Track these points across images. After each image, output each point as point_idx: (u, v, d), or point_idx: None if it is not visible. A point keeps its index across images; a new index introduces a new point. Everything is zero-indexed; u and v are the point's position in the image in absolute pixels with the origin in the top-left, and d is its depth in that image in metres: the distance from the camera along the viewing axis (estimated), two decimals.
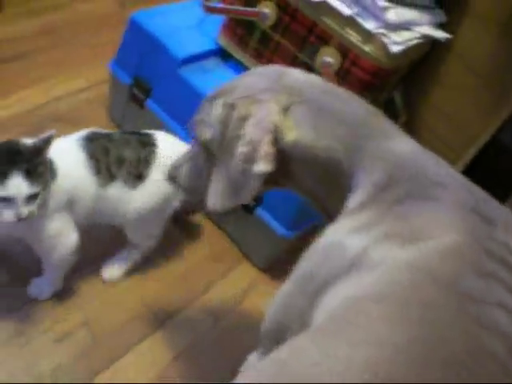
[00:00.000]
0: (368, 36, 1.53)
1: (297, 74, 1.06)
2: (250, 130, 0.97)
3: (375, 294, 0.75)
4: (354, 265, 0.83)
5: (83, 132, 1.50)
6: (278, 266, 1.88)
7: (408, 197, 0.89)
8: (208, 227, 1.94)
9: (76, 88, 2.26)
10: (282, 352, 0.71)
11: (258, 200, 1.72)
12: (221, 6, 1.77)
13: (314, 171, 1.00)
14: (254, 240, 1.84)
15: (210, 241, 1.91)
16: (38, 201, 1.30)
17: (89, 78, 2.31)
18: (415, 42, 1.61)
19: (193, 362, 1.60)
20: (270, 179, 1.01)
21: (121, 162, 1.49)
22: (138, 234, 1.66)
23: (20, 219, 1.29)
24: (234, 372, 1.55)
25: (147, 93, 1.92)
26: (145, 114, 1.96)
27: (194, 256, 1.86)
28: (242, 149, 0.97)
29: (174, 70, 1.79)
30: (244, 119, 0.98)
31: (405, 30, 1.60)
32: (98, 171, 1.46)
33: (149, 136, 1.57)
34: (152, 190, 1.54)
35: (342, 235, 0.89)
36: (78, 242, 1.50)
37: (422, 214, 0.86)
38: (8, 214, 1.28)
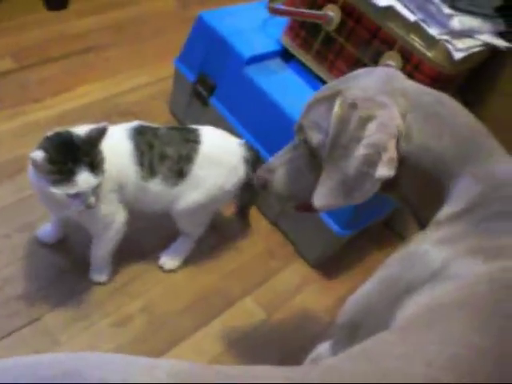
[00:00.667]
0: (432, 42, 1.55)
1: (408, 80, 1.06)
2: (374, 133, 0.96)
3: (457, 302, 0.80)
4: (436, 275, 0.88)
5: (133, 123, 1.55)
6: (329, 263, 1.92)
7: (497, 216, 0.92)
8: (264, 224, 1.99)
9: (140, 83, 2.33)
10: (370, 344, 0.75)
11: None
12: (286, 8, 1.81)
13: (416, 179, 1.00)
14: (309, 238, 1.87)
15: (266, 238, 1.96)
16: (99, 188, 1.37)
17: (152, 74, 2.38)
18: (477, 49, 1.62)
19: (244, 352, 1.65)
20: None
21: (163, 158, 1.52)
22: (187, 225, 1.71)
23: (88, 208, 1.36)
24: (283, 363, 1.60)
25: (211, 90, 1.97)
26: (207, 111, 2.02)
27: (250, 251, 1.90)
28: (363, 151, 0.96)
29: (239, 68, 1.84)
30: (366, 120, 0.97)
31: (467, 37, 1.62)
32: (141, 163, 1.50)
33: (194, 132, 1.59)
34: (197, 186, 1.57)
35: (428, 245, 0.93)
36: (126, 221, 1.58)
37: (508, 234, 0.89)
38: (77, 205, 1.35)
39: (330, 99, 1.03)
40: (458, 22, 1.56)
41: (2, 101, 2.08)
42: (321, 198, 1.03)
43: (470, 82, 1.87)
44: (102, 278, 1.67)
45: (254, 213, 2.00)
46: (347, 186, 0.99)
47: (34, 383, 0.56)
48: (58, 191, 1.31)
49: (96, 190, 1.36)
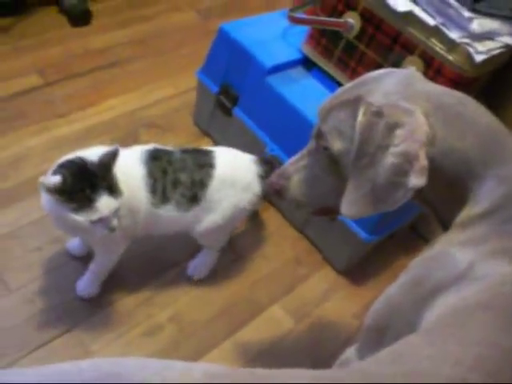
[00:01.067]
0: (452, 45, 1.55)
1: (428, 82, 1.05)
2: (402, 141, 0.94)
3: (483, 303, 0.80)
4: (462, 277, 0.88)
5: (147, 147, 1.55)
6: (356, 270, 1.93)
7: None
8: (290, 232, 2.00)
9: (164, 96, 2.36)
10: (397, 346, 0.76)
11: None
12: (306, 17, 1.83)
13: (438, 181, 0.99)
14: (336, 244, 1.88)
15: (293, 245, 1.97)
16: (119, 210, 1.38)
17: (176, 86, 2.40)
18: (498, 51, 1.63)
19: (273, 360, 1.66)
20: None
21: (176, 184, 1.53)
22: (207, 242, 1.74)
23: (112, 231, 1.36)
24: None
25: (234, 101, 1.99)
26: (231, 122, 2.04)
27: (277, 259, 1.92)
28: (392, 160, 0.95)
29: (261, 78, 1.86)
30: (393, 128, 0.95)
31: (488, 39, 1.62)
32: (153, 190, 1.51)
33: (208, 155, 1.60)
34: (213, 209, 1.59)
35: (453, 247, 0.93)
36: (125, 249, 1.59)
37: None
38: (101, 230, 1.36)
39: (352, 105, 1.01)
40: (478, 24, 1.56)
41: (28, 117, 2.12)
42: (350, 207, 1.02)
43: (491, 84, 1.87)
44: (92, 293, 1.66)
45: (280, 221, 2.02)
46: (377, 195, 0.98)
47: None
48: (80, 218, 1.31)
49: (117, 212, 1.37)
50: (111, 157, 1.34)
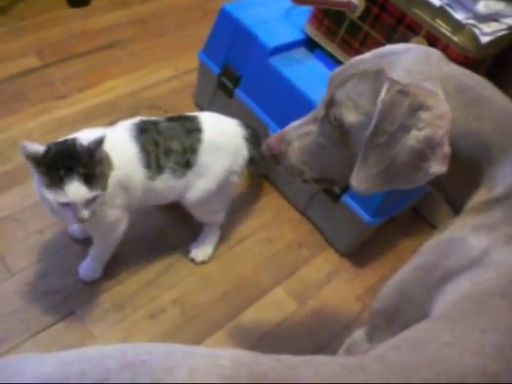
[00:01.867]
0: (458, 26, 1.54)
1: (449, 62, 1.01)
2: (427, 126, 0.92)
3: (499, 290, 0.79)
4: (475, 263, 0.87)
5: (134, 120, 1.53)
6: (359, 252, 1.92)
7: None
8: (293, 215, 1.99)
9: (165, 77, 2.34)
10: (415, 333, 0.75)
11: (344, 188, 1.76)
12: None
13: (453, 164, 0.95)
14: (339, 227, 1.87)
15: (295, 228, 1.96)
16: (97, 202, 1.34)
17: (177, 67, 2.38)
18: (503, 32, 1.61)
19: (277, 342, 1.66)
20: None
21: (168, 153, 1.52)
22: (203, 214, 1.73)
23: (82, 222, 1.34)
24: (316, 352, 1.60)
25: (236, 81, 1.98)
26: (232, 103, 2.02)
27: (280, 242, 1.91)
28: (415, 143, 0.93)
29: (263, 59, 1.84)
30: (418, 109, 0.92)
31: (493, 21, 1.60)
32: (148, 165, 1.49)
33: (193, 120, 1.59)
34: (205, 174, 1.58)
35: (465, 232, 0.92)
36: (126, 228, 1.57)
37: None
38: (71, 216, 1.33)
39: (373, 78, 0.98)
40: (484, 5, 1.55)
41: (28, 98, 2.10)
42: (361, 182, 1.00)
43: (496, 66, 1.85)
44: (94, 276, 1.66)
45: (282, 203, 2.01)
46: (392, 174, 0.97)
47: (102, 376, 0.57)
48: (50, 196, 1.29)
49: (91, 205, 1.33)
50: (96, 143, 1.30)
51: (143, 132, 1.50)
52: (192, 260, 1.77)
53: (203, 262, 1.78)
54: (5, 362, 0.61)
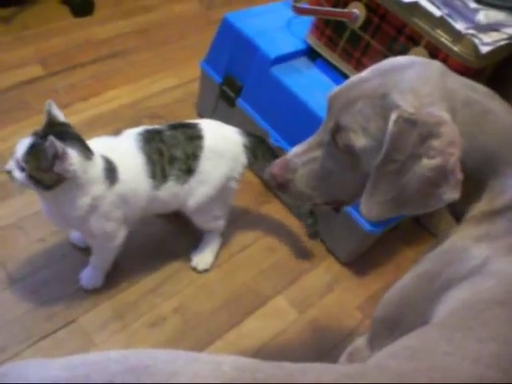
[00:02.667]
0: (458, 36, 1.55)
1: (454, 75, 1.00)
2: (438, 154, 0.91)
3: (498, 299, 0.80)
4: (475, 272, 0.87)
5: (138, 130, 1.55)
6: (360, 261, 1.92)
7: None
8: (294, 224, 1.99)
9: (167, 86, 2.35)
10: (412, 341, 0.76)
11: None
12: (311, 7, 1.81)
13: None
14: (340, 236, 1.87)
15: (297, 237, 1.96)
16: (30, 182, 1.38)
17: (179, 77, 2.40)
18: (503, 42, 1.62)
19: (278, 351, 1.66)
20: None
21: (172, 161, 1.54)
22: (204, 221, 1.73)
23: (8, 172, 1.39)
24: (318, 360, 1.60)
25: (237, 91, 1.99)
26: (234, 112, 2.03)
27: (281, 251, 1.91)
28: (426, 172, 0.92)
29: (265, 69, 1.85)
30: (427, 138, 0.91)
31: (493, 30, 1.61)
32: (153, 175, 1.51)
33: (194, 127, 1.60)
34: (205, 180, 1.60)
35: (466, 242, 0.93)
36: (124, 238, 1.58)
37: None
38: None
39: (378, 102, 0.96)
40: (484, 15, 1.56)
41: (31, 107, 2.11)
42: (371, 209, 0.99)
43: (497, 75, 1.86)
44: (95, 284, 1.66)
45: (284, 213, 2.01)
46: (403, 201, 0.96)
47: (106, 379, 0.57)
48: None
49: (24, 175, 1.36)
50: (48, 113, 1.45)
51: (148, 142, 1.52)
52: (194, 268, 1.78)
53: (205, 271, 1.78)
54: (8, 367, 0.61)
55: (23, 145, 1.35)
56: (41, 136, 1.35)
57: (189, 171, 1.57)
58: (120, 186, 1.44)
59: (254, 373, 0.60)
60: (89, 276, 1.65)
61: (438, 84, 0.95)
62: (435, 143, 0.91)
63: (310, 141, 1.09)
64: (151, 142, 1.52)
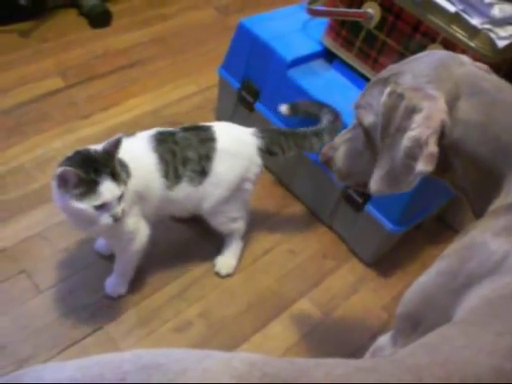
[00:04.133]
0: (474, 32, 1.54)
1: (467, 65, 1.03)
2: (417, 127, 0.95)
3: None
4: (497, 267, 0.87)
5: (151, 132, 1.56)
6: (384, 261, 1.92)
7: None
8: (317, 225, 1.99)
9: (186, 93, 2.37)
10: (431, 338, 0.76)
11: (367, 197, 1.76)
12: (325, 9, 1.82)
13: (474, 167, 0.99)
14: (362, 236, 1.87)
15: (319, 239, 1.96)
16: (124, 199, 1.40)
17: (197, 84, 2.41)
18: None
19: (303, 353, 1.65)
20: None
21: (185, 162, 1.55)
22: (220, 223, 1.73)
23: (116, 220, 1.38)
24: None
25: (256, 96, 1.99)
26: (253, 117, 2.03)
27: (304, 253, 1.91)
28: (406, 143, 0.96)
29: (282, 72, 1.86)
30: (412, 112, 0.96)
31: (509, 24, 1.60)
32: (166, 175, 1.53)
33: (208, 130, 1.62)
34: (219, 182, 1.60)
35: (487, 236, 0.92)
36: (149, 235, 1.59)
37: None
38: (105, 219, 1.37)
39: (383, 82, 1.03)
40: (499, 10, 1.55)
41: (52, 119, 2.14)
42: (373, 183, 1.05)
43: None
44: (121, 291, 1.68)
45: (306, 214, 2.02)
46: (394, 175, 1.00)
47: (119, 378, 0.58)
48: (83, 205, 1.32)
49: (121, 201, 1.38)
50: (114, 144, 1.37)
51: (161, 142, 1.54)
52: (217, 273, 1.78)
53: (228, 275, 1.79)
54: (24, 370, 0.62)
55: (117, 194, 1.37)
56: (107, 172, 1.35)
57: (202, 173, 1.58)
58: (134, 181, 1.44)
59: (263, 367, 0.60)
60: (113, 283, 1.66)
61: (440, 68, 0.99)
62: (417, 117, 0.95)
63: (351, 123, 1.17)
64: (164, 143, 1.54)
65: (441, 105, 0.95)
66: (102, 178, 1.33)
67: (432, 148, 0.94)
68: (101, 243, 1.75)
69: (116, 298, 1.67)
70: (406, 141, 0.96)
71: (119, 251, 1.61)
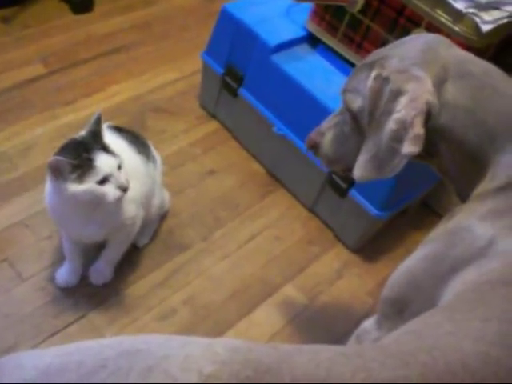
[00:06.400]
0: (458, 16, 1.53)
1: (455, 49, 1.03)
2: (402, 109, 0.95)
3: (503, 279, 0.80)
4: (482, 254, 0.87)
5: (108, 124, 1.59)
6: (369, 247, 1.92)
7: None
8: (301, 212, 1.99)
9: (169, 79, 2.35)
10: (416, 325, 0.76)
11: (351, 182, 1.75)
12: None
13: (459, 150, 0.98)
14: (347, 222, 1.87)
15: (304, 225, 1.96)
16: (123, 170, 1.38)
17: (181, 70, 2.39)
18: (505, 20, 1.60)
19: (289, 339, 1.65)
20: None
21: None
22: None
23: (125, 189, 1.36)
24: None
25: (239, 81, 1.98)
26: (237, 102, 2.02)
27: (289, 239, 1.91)
28: (391, 126, 0.95)
29: (266, 57, 1.84)
30: (397, 95, 0.95)
31: (494, 9, 1.60)
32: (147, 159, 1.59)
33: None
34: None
35: (473, 221, 0.92)
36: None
37: None
38: (112, 192, 1.35)
39: (369, 67, 1.03)
40: None
41: (34, 106, 2.11)
42: (357, 168, 1.04)
43: (500, 54, 1.85)
44: (106, 279, 1.67)
45: (290, 201, 2.01)
46: (379, 160, 0.99)
47: (99, 364, 0.57)
48: (86, 185, 1.31)
49: (121, 171, 1.37)
50: (96, 122, 1.38)
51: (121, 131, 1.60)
52: (200, 259, 1.78)
53: (212, 263, 1.78)
54: (3, 359, 0.61)
55: (115, 164, 1.36)
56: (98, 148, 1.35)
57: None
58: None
59: (246, 353, 0.60)
60: (99, 271, 1.65)
61: (427, 51, 0.99)
62: (402, 99, 0.95)
63: (338, 108, 1.16)
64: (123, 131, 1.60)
65: (426, 85, 0.95)
66: (94, 154, 1.32)
67: (418, 129, 0.93)
68: (62, 272, 1.66)
69: (100, 286, 1.65)
70: (391, 123, 0.96)
71: (117, 241, 1.59)
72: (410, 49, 1.01)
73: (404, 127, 0.94)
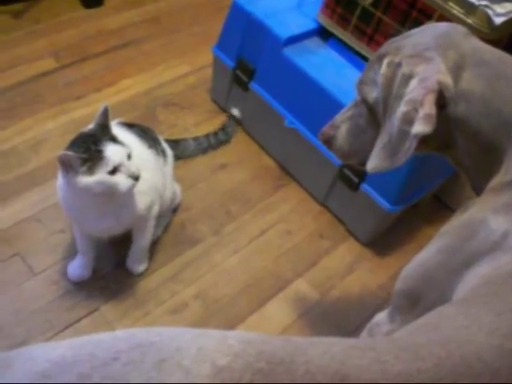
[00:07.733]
0: (470, 8, 1.52)
1: (470, 38, 1.01)
2: (413, 90, 0.93)
3: None
4: (496, 247, 0.86)
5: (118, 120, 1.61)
6: (381, 241, 1.91)
7: None
8: (313, 206, 1.98)
9: (180, 73, 2.35)
10: (430, 318, 0.75)
11: (363, 176, 1.75)
12: None
13: (475, 141, 0.97)
14: (359, 216, 1.86)
15: (316, 219, 1.95)
16: (134, 160, 1.38)
17: (192, 64, 2.39)
18: None
19: (300, 332, 1.65)
20: (429, 143, 1.00)
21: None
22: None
23: (136, 178, 1.36)
24: None
25: (250, 75, 1.97)
26: (248, 96, 2.02)
27: (301, 233, 1.90)
28: (402, 108, 0.93)
29: (277, 50, 1.83)
30: (409, 78, 0.94)
31: (506, 1, 1.58)
32: (157, 153, 1.60)
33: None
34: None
35: (487, 214, 0.91)
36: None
37: None
38: (124, 182, 1.35)
39: (385, 56, 1.01)
40: None
41: (45, 100, 2.12)
42: (371, 159, 1.02)
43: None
44: (144, 266, 1.70)
45: (301, 195, 2.00)
46: (391, 146, 0.97)
47: (112, 356, 0.57)
48: (97, 176, 1.31)
49: (131, 161, 1.37)
50: (103, 114, 1.38)
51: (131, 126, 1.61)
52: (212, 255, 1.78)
53: (224, 257, 1.78)
54: (15, 351, 0.61)
55: (124, 154, 1.36)
56: (106, 139, 1.36)
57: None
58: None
59: (259, 345, 0.59)
60: (136, 261, 1.67)
61: (442, 37, 0.98)
62: (413, 81, 0.93)
63: (352, 101, 1.15)
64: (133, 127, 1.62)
65: (437, 65, 0.93)
66: (103, 145, 1.32)
67: (429, 108, 0.91)
68: (75, 266, 1.66)
69: (111, 280, 1.66)
70: (402, 107, 0.94)
71: (138, 229, 1.60)
72: (425, 36, 0.99)
73: (415, 107, 0.92)
